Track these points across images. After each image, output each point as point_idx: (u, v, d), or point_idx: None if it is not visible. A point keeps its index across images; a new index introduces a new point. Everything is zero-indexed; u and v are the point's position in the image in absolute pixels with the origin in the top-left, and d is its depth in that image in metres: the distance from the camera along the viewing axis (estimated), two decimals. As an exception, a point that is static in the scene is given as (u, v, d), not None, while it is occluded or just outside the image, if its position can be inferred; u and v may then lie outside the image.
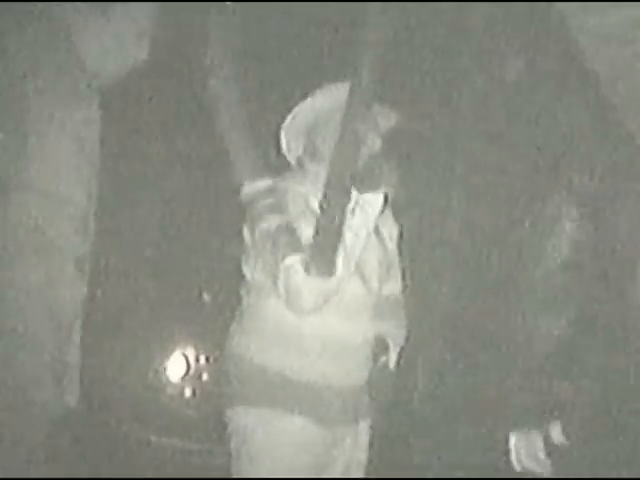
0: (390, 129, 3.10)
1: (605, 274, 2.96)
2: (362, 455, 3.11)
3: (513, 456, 3.11)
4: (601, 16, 2.37)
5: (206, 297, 5.10)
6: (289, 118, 3.07)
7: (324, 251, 2.80)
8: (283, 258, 2.83)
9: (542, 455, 3.01)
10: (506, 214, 3.35)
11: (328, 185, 2.84)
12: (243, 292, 3.06)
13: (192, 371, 5.13)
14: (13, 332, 2.96)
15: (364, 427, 3.08)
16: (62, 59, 3.01)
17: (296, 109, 3.06)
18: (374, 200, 2.87)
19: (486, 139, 3.78)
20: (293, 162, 3.16)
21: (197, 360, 5.18)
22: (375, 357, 3.03)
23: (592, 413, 2.92)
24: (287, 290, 2.82)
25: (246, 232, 3.02)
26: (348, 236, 2.85)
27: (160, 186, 4.93)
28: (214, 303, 5.05)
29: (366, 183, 2.89)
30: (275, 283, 2.85)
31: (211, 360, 5.09)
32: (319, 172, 2.96)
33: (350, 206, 2.88)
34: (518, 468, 3.11)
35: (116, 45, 3.09)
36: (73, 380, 3.23)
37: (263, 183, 3.04)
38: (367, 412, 3.08)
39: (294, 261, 2.82)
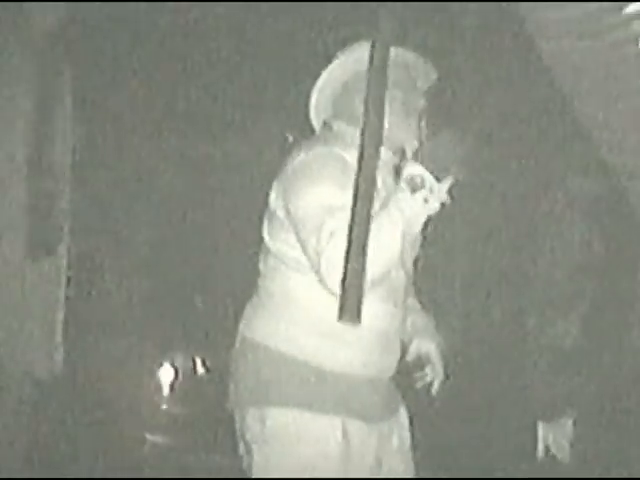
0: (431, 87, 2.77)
1: (614, 273, 2.98)
2: (408, 448, 2.82)
3: (540, 444, 3.11)
4: (559, 11, 2.39)
5: (198, 300, 5.10)
6: (322, 78, 2.77)
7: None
8: (329, 237, 2.50)
9: (568, 443, 3.01)
10: (515, 212, 3.35)
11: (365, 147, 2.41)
12: (265, 279, 2.76)
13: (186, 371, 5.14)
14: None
15: (404, 418, 2.82)
16: None
17: (330, 67, 2.77)
18: (441, 188, 2.55)
19: (484, 139, 3.79)
20: (318, 125, 2.82)
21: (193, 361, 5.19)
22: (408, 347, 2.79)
23: (605, 408, 2.96)
24: (332, 271, 2.47)
25: (280, 209, 2.68)
26: (404, 215, 2.55)
27: (154, 186, 4.94)
28: (207, 303, 5.06)
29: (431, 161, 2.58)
30: (317, 265, 2.52)
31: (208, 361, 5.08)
32: (354, 134, 2.59)
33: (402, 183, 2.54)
34: (541, 455, 3.11)
35: None
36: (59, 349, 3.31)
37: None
38: (400, 403, 2.80)
39: (338, 239, 2.46)
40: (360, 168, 2.41)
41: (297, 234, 2.61)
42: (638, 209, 2.74)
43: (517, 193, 2.79)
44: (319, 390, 2.62)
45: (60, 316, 3.38)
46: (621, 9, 2.36)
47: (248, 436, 2.67)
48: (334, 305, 2.41)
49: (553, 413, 3.11)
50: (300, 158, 2.65)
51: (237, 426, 2.73)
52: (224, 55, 4.55)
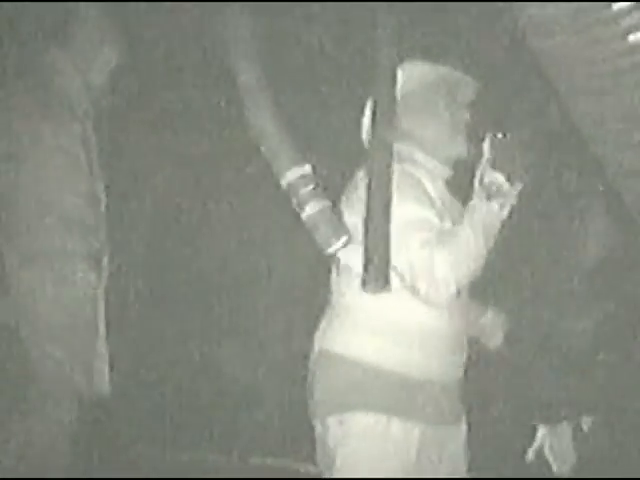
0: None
1: (631, 273, 2.99)
2: (462, 458, 2.95)
3: (533, 448, 3.13)
4: (549, 8, 2.40)
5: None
6: (366, 113, 2.93)
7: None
8: (420, 250, 2.66)
9: (568, 449, 3.03)
10: (535, 212, 3.33)
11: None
12: (340, 293, 2.89)
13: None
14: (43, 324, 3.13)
15: (464, 428, 2.95)
16: (39, 92, 3.19)
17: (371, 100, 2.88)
18: (512, 193, 2.71)
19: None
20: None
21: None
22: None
23: (615, 410, 2.97)
24: (421, 279, 2.65)
25: (354, 217, 2.82)
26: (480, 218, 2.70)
27: (150, 184, 4.95)
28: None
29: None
30: (411, 278, 2.68)
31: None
32: (412, 151, 2.85)
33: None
34: (532, 459, 3.14)
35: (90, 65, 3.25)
36: (103, 371, 3.33)
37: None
38: (463, 412, 2.93)
39: (431, 249, 2.65)
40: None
41: None
42: (632, 206, 2.75)
43: (524, 193, 2.80)
44: (396, 395, 2.76)
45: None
46: (610, 5, 2.37)
47: (330, 441, 2.80)
48: (411, 315, 2.71)
49: (554, 418, 3.12)
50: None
51: (316, 433, 2.86)
52: (220, 53, 4.55)
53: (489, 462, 3.35)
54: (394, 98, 2.78)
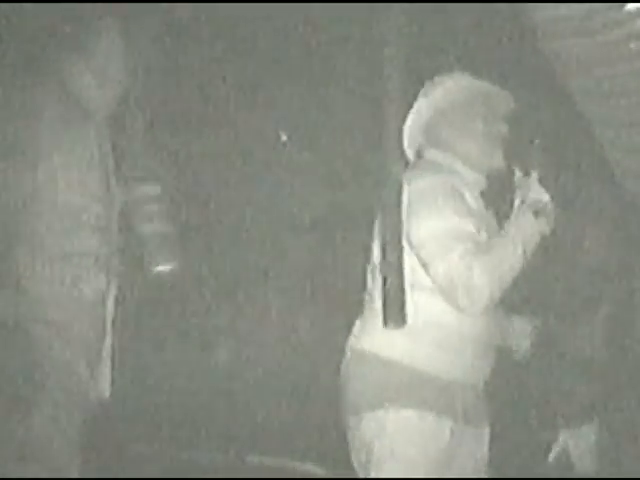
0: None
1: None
2: (483, 461, 3.02)
3: (554, 452, 3.17)
4: (562, 9, 2.42)
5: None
6: (410, 118, 3.02)
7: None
8: (460, 261, 2.75)
9: (591, 451, 3.07)
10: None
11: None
12: (377, 296, 2.91)
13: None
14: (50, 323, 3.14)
15: (487, 432, 3.02)
16: (58, 98, 3.23)
17: (415, 107, 3.02)
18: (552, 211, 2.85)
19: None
20: (410, 149, 3.05)
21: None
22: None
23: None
24: (459, 290, 2.75)
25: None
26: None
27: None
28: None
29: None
30: (451, 288, 2.77)
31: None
32: (452, 162, 2.95)
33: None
34: (553, 462, 3.18)
35: (105, 77, 3.31)
36: (105, 372, 3.35)
37: None
38: (487, 417, 3.00)
39: (470, 260, 2.75)
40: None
41: (422, 259, 2.82)
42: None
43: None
44: (427, 393, 2.84)
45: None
46: (623, 6, 2.38)
47: (367, 436, 2.87)
48: (444, 318, 2.80)
49: (576, 420, 3.15)
50: (413, 187, 2.83)
51: (350, 431, 2.93)
52: (217, 52, 4.56)
53: (511, 466, 3.38)
54: (401, 133, 2.90)
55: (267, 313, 4.94)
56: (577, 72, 2.55)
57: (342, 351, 2.99)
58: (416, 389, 2.84)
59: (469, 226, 2.79)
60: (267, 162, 4.91)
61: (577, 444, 3.12)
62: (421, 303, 2.81)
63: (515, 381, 3.32)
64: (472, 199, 2.88)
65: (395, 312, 2.71)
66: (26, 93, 3.16)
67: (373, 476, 2.87)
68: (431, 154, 2.99)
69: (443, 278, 2.77)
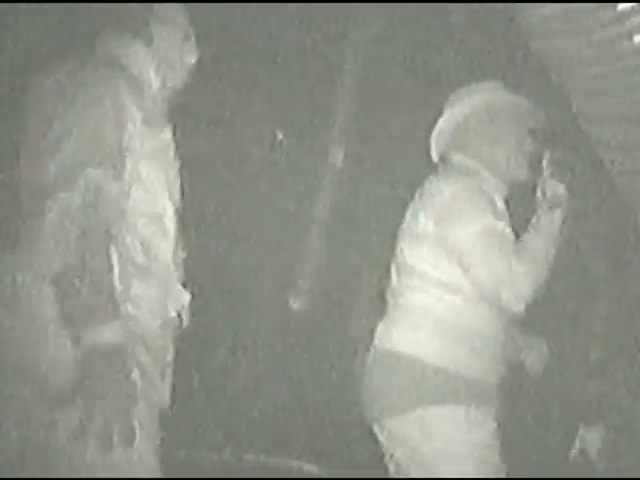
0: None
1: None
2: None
3: (576, 447, 3.19)
4: (553, 8, 2.41)
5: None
6: (437, 128, 3.09)
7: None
8: (501, 257, 2.83)
9: (610, 448, 3.09)
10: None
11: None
12: (404, 296, 3.00)
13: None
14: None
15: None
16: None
17: (444, 116, 3.08)
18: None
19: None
20: (435, 153, 3.12)
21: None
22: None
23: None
24: (503, 289, 2.82)
25: (432, 236, 2.97)
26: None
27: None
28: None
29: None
30: (493, 290, 2.85)
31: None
32: (479, 169, 3.00)
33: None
34: (577, 458, 3.20)
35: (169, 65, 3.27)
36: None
37: None
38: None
39: (509, 259, 2.82)
40: None
41: (462, 261, 2.87)
42: (637, 207, 2.78)
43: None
44: (461, 388, 2.87)
45: None
46: (615, 6, 2.39)
47: (415, 437, 2.87)
48: (469, 319, 2.86)
49: (594, 417, 3.16)
50: (448, 192, 2.91)
51: (381, 433, 2.92)
52: (214, 52, 4.56)
53: (530, 463, 3.40)
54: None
55: (263, 310, 4.95)
56: (570, 71, 2.55)
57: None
58: (449, 385, 2.87)
59: (505, 227, 2.87)
60: (263, 161, 4.93)
61: (595, 442, 3.14)
62: (448, 304, 2.88)
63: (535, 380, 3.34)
64: (499, 202, 2.95)
65: None
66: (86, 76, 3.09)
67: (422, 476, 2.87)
68: (458, 159, 3.05)
69: (486, 278, 2.85)
